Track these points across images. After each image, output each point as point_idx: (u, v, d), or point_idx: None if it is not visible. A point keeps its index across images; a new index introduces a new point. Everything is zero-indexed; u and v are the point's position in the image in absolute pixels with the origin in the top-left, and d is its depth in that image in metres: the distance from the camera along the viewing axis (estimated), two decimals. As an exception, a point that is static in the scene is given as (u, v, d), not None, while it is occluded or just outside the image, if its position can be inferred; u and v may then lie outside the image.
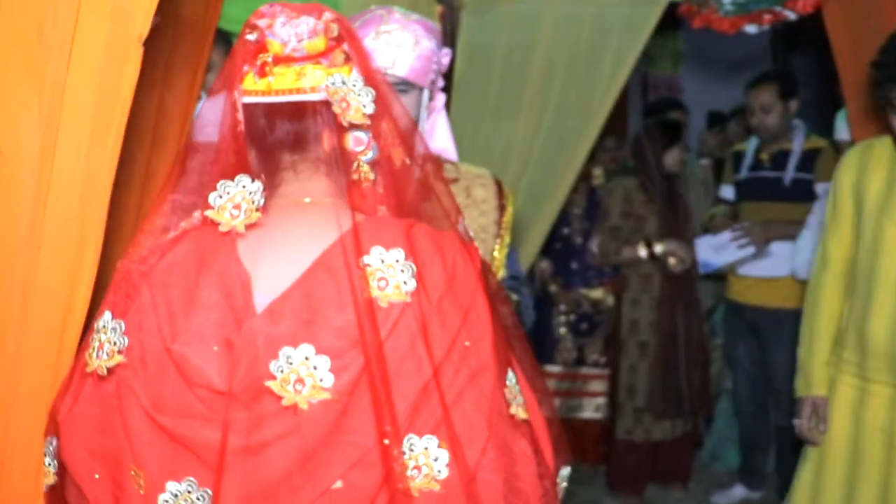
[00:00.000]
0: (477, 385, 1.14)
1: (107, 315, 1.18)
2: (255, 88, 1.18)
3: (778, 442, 3.99)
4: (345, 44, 1.20)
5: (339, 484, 1.11)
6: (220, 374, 1.10)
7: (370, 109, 1.18)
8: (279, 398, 1.08)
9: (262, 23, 1.19)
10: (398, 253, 1.12)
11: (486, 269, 1.25)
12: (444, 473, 1.10)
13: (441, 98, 2.07)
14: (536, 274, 4.28)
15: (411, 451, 1.09)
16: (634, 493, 4.17)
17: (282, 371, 1.08)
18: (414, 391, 1.10)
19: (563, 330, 4.34)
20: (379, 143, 1.19)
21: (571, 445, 3.96)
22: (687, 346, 4.03)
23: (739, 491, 4.15)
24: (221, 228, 1.15)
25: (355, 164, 1.19)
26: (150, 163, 1.88)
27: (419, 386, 1.10)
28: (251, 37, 1.19)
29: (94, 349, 1.17)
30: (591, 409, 4.40)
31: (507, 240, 2.08)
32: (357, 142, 1.19)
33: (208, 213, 1.16)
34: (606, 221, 4.08)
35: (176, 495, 1.11)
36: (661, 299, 4.02)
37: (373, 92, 1.19)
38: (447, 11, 3.32)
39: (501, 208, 2.08)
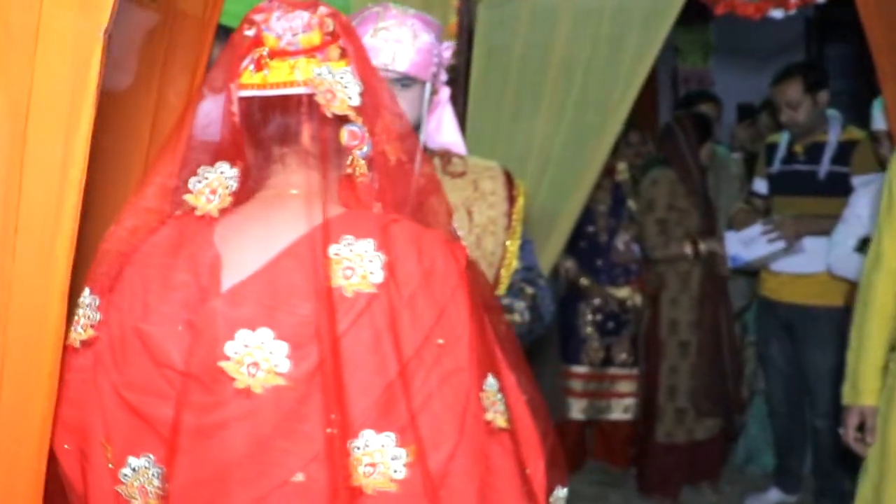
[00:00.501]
0: (450, 386, 1.12)
1: (86, 290, 1.22)
2: (251, 82, 1.21)
3: (814, 444, 3.87)
4: (341, 39, 1.22)
5: (299, 476, 1.09)
6: (180, 353, 1.11)
7: (356, 101, 1.19)
8: (232, 380, 1.08)
9: (258, 18, 1.21)
10: (368, 243, 1.12)
11: (474, 272, 1.23)
12: (402, 473, 1.08)
13: (445, 91, 2.07)
14: (561, 273, 4.20)
15: (367, 447, 1.08)
16: (669, 495, 4.10)
17: (236, 353, 1.08)
18: (377, 385, 1.09)
19: (589, 329, 4.26)
20: (373, 140, 1.21)
21: (600, 447, 3.97)
22: (729, 343, 3.99)
23: (774, 494, 4.03)
24: (197, 212, 1.19)
25: (350, 159, 1.21)
26: (148, 160, 1.85)
27: (383, 381, 1.09)
28: (249, 32, 1.22)
29: (74, 323, 1.21)
30: (620, 411, 4.34)
31: (519, 231, 2.05)
32: (352, 136, 1.20)
33: (187, 197, 1.20)
34: (652, 213, 3.99)
35: (135, 469, 1.14)
36: (700, 297, 3.96)
37: (360, 85, 1.20)
38: (464, 5, 3.26)
39: (511, 199, 2.05)
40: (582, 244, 4.26)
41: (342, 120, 1.20)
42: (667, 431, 4.01)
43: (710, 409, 3.97)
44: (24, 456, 1.17)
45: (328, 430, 1.06)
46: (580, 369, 4.29)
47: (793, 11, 2.79)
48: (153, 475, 1.13)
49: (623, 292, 4.27)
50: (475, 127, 3.36)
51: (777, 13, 2.78)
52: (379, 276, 1.10)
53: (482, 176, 2.05)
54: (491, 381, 1.17)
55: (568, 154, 3.32)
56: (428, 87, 1.91)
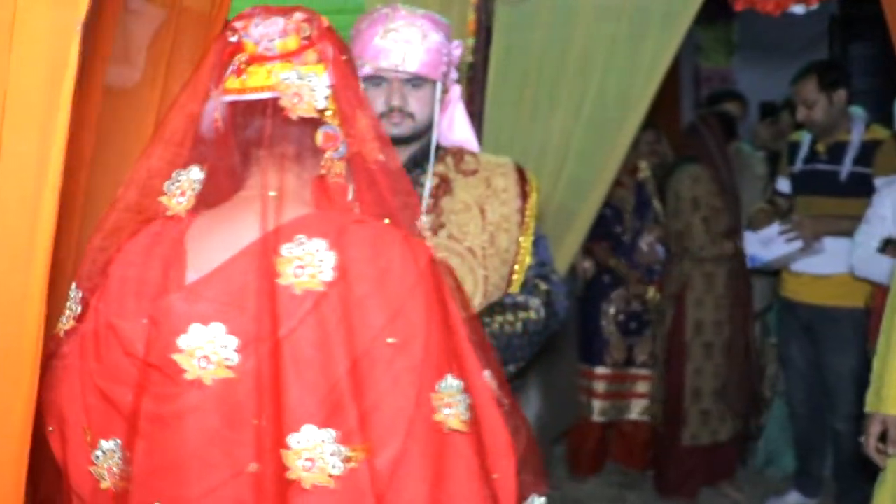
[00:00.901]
0: (400, 386, 1.14)
1: (73, 284, 1.30)
2: (233, 87, 1.26)
3: (835, 447, 3.81)
4: (319, 44, 1.26)
5: (253, 467, 1.12)
6: (143, 345, 1.17)
7: (322, 104, 1.23)
8: (183, 371, 1.14)
9: (239, 25, 1.27)
10: (320, 243, 1.15)
11: (441, 272, 1.25)
12: (340, 470, 1.10)
13: (457, 90, 2.10)
14: (578, 273, 4.16)
15: (308, 441, 1.10)
16: (688, 496, 4.07)
17: (188, 346, 1.14)
18: (322, 383, 1.12)
19: (612, 329, 4.22)
20: (348, 141, 1.24)
21: (619, 449, 3.97)
22: (753, 342, 4.01)
23: (794, 497, 3.98)
24: (168, 213, 1.25)
25: (325, 161, 1.25)
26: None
27: (330, 378, 1.12)
28: (233, 38, 1.27)
29: (63, 314, 1.30)
30: (638, 411, 4.29)
31: (532, 226, 2.05)
32: (326, 137, 1.24)
33: (162, 198, 1.25)
34: (698, 211, 3.93)
35: (104, 452, 1.21)
36: (726, 298, 3.94)
37: (330, 88, 1.24)
38: (481, 2, 3.24)
39: (524, 196, 2.05)
40: (607, 245, 4.23)
41: (318, 122, 1.24)
42: (692, 434, 3.98)
43: (741, 409, 3.98)
44: (6, 446, 1.20)
45: (254, 422, 1.11)
46: (603, 370, 4.24)
47: (814, 7, 2.72)
48: (119, 459, 1.20)
49: (647, 294, 4.23)
50: (493, 124, 3.34)
51: (798, 9, 2.72)
52: (329, 275, 1.13)
53: (494, 173, 2.05)
54: (451, 381, 1.18)
55: (586, 152, 3.30)
56: (439, 86, 1.93)
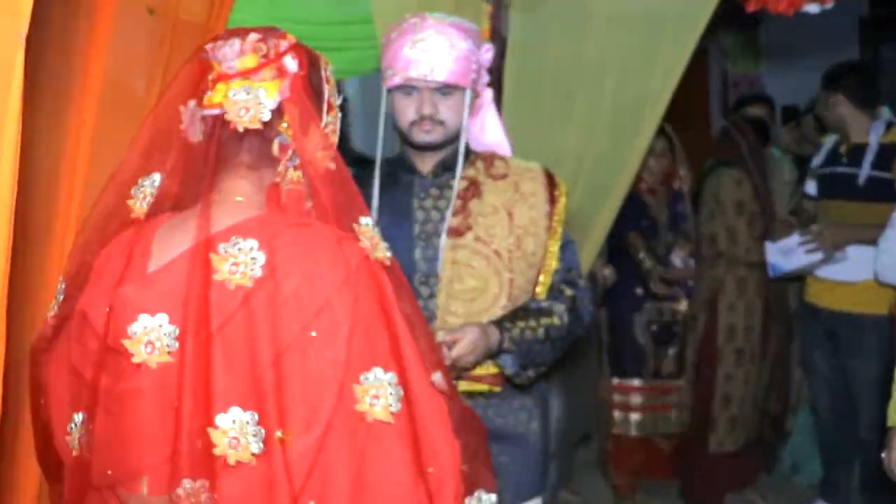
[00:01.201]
0: (322, 377, 1.24)
1: (61, 277, 1.45)
2: (206, 103, 1.38)
3: (862, 455, 3.73)
4: (278, 62, 1.37)
5: (198, 444, 1.22)
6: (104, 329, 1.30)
7: (266, 117, 1.35)
8: (132, 355, 1.26)
9: (209, 46, 1.41)
10: (252, 243, 1.27)
11: (377, 272, 1.33)
12: (259, 449, 1.21)
13: (488, 94, 2.15)
14: (599, 281, 4.12)
15: (233, 423, 1.21)
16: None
17: (135, 333, 1.26)
18: (250, 372, 1.22)
19: (645, 341, 4.15)
20: (300, 151, 1.36)
21: (648, 460, 3.89)
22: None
23: (820, 507, 3.91)
24: (132, 215, 1.39)
25: (281, 169, 1.37)
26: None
27: (256, 368, 1.22)
28: (205, 58, 1.41)
29: (51, 304, 1.46)
30: (672, 423, 4.22)
31: (560, 231, 2.09)
32: (280, 147, 1.36)
33: (129, 202, 1.40)
34: (742, 216, 3.91)
35: (76, 424, 1.36)
36: (758, 302, 3.93)
37: (277, 103, 1.35)
38: (496, 10, 3.25)
39: (552, 200, 2.09)
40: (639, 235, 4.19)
41: (272, 134, 1.37)
42: (719, 441, 3.95)
43: (770, 416, 3.98)
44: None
45: (174, 405, 1.22)
46: (638, 382, 4.16)
47: (829, 5, 2.66)
48: (86, 431, 1.33)
49: (680, 305, 4.17)
50: (510, 132, 3.31)
51: (812, 7, 2.66)
52: (258, 273, 1.25)
53: (523, 178, 2.10)
54: (380, 374, 1.26)
55: (603, 159, 3.27)
56: (468, 93, 1.98)
